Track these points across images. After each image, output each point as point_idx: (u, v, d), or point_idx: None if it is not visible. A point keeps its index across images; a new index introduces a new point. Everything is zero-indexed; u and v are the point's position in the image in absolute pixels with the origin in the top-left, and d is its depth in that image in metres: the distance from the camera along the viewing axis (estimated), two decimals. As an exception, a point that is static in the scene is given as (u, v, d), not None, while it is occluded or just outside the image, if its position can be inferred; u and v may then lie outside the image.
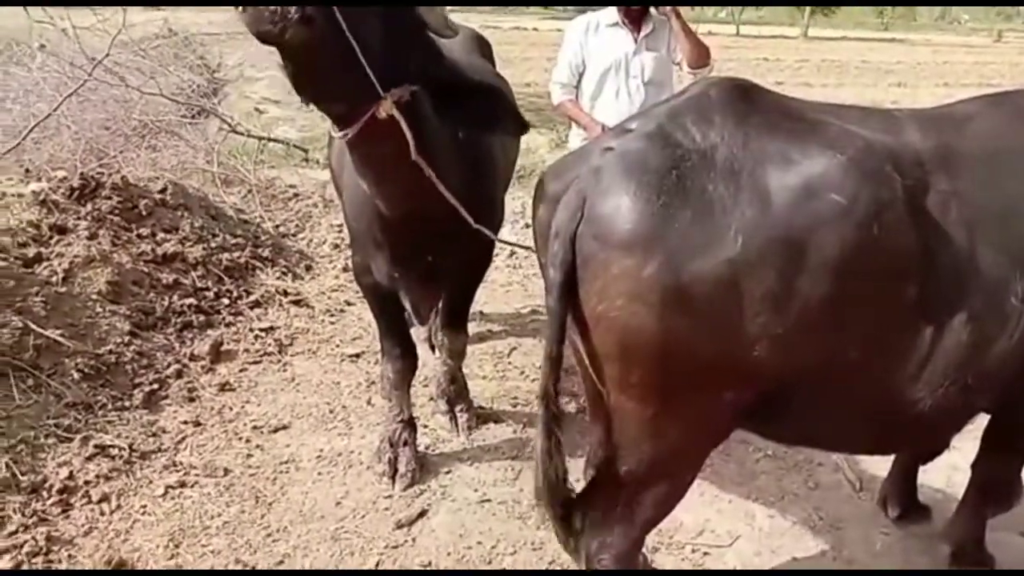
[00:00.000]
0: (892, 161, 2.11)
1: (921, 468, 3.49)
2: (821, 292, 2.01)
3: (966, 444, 3.05)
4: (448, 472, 3.81)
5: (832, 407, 2.28)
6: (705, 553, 3.33)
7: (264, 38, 2.30)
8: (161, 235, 5.32)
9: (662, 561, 3.27)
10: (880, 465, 3.59)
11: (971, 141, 2.31)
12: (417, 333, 4.06)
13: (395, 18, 2.49)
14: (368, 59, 2.35)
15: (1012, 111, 2.43)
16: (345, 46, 2.30)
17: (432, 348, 4.63)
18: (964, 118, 2.40)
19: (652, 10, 4.29)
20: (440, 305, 3.95)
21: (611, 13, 4.38)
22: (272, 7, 2.23)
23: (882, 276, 2.08)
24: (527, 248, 3.12)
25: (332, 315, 5.35)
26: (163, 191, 5.70)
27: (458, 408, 4.18)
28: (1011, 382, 2.35)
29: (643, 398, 2.17)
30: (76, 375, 4.03)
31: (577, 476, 3.09)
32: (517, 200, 6.87)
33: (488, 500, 3.61)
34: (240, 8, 2.25)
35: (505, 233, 4.71)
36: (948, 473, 3.60)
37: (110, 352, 4.27)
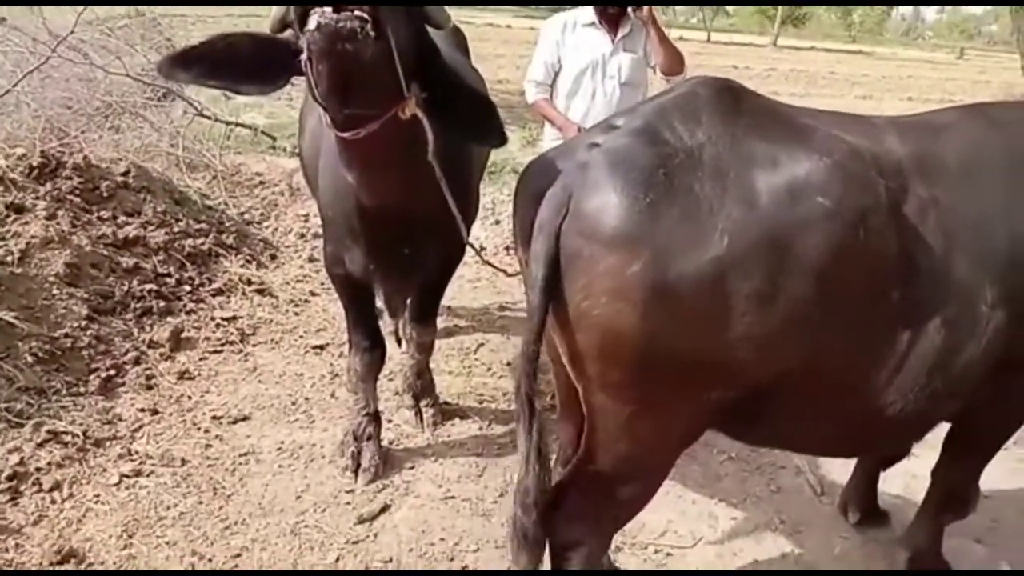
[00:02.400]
0: (875, 166, 2.13)
1: (881, 474, 3.53)
2: (805, 293, 2.02)
3: (925, 451, 3.10)
4: (412, 468, 3.76)
5: (806, 409, 2.29)
6: (668, 554, 3.33)
7: (340, 57, 2.17)
8: (122, 218, 5.18)
9: (625, 561, 3.26)
10: (842, 470, 3.63)
11: (947, 150, 2.34)
12: (384, 327, 4.00)
13: (414, 17, 2.44)
14: (400, 60, 2.29)
15: (986, 122, 2.46)
16: (390, 51, 2.24)
17: (399, 342, 4.58)
18: (941, 127, 2.43)
19: (630, 11, 4.29)
20: (410, 299, 3.90)
21: (588, 13, 4.37)
22: (348, 24, 2.12)
23: (865, 279, 2.10)
24: (503, 271, 3.09)
25: (296, 305, 5.27)
26: (126, 173, 5.55)
27: (424, 403, 4.14)
28: (975, 388, 2.38)
29: (622, 397, 2.15)
30: (29, 359, 3.90)
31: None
32: (487, 196, 6.83)
33: (452, 497, 3.57)
34: (311, 28, 2.13)
35: (475, 230, 4.68)
36: (907, 480, 3.66)
37: (66, 336, 4.14)
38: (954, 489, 3.10)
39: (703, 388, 2.14)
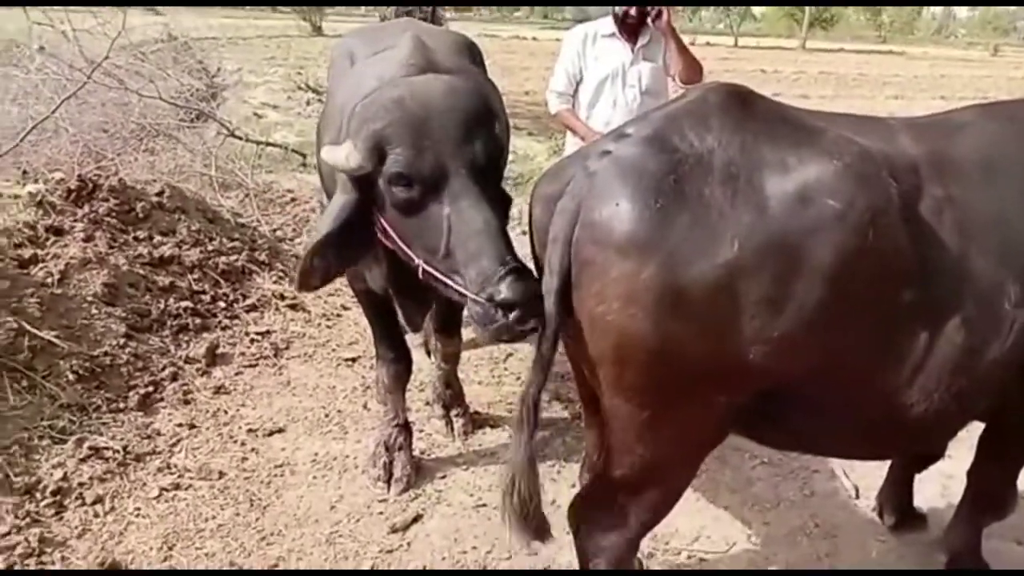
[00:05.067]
0: (888, 167, 2.13)
1: (917, 476, 3.49)
2: (817, 296, 2.02)
3: (962, 452, 3.06)
4: (443, 477, 3.80)
5: (826, 411, 2.28)
6: (701, 559, 3.32)
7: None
8: (158, 238, 5.31)
9: (657, 567, 3.26)
10: (877, 473, 3.59)
11: (964, 148, 2.32)
12: (412, 338, 4.04)
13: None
14: None
15: (1005, 119, 2.44)
16: None
17: (428, 353, 4.62)
18: (957, 126, 2.42)
19: (649, 22, 4.34)
20: (433, 310, 3.94)
21: (608, 23, 4.44)
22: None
23: (878, 281, 2.09)
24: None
25: (328, 319, 5.35)
26: (160, 194, 5.69)
27: (454, 413, 4.18)
28: (1005, 388, 2.35)
29: (638, 401, 2.17)
30: (71, 376, 4.01)
31: (572, 482, 3.11)
32: (513, 207, 6.86)
33: (483, 505, 3.60)
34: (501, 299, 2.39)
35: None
36: (944, 481, 3.61)
37: (105, 354, 4.25)
38: (991, 490, 3.05)
39: (717, 392, 2.15)
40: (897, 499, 3.52)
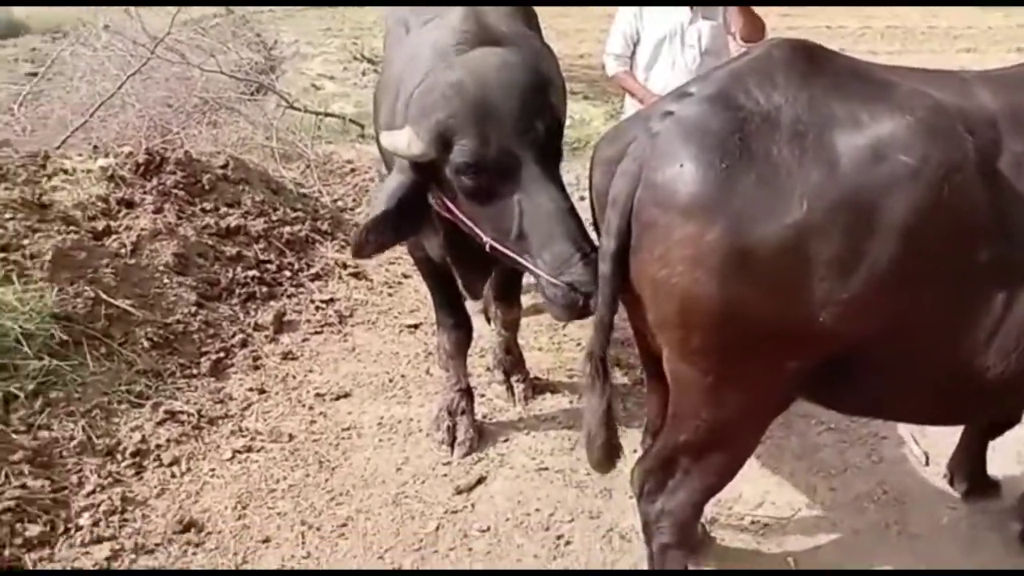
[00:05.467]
0: (963, 121, 2.04)
1: (991, 443, 3.39)
2: (889, 257, 1.97)
3: (1039, 418, 2.97)
4: (505, 441, 3.85)
5: (897, 375, 2.23)
6: (765, 525, 3.31)
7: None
8: (224, 209, 5.42)
9: (720, 532, 3.26)
10: (949, 440, 3.50)
11: None
12: (472, 305, 4.08)
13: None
14: None
15: None
16: None
17: (488, 320, 4.66)
18: None
19: None
20: (493, 278, 3.96)
21: (666, -18, 4.31)
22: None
23: (953, 239, 2.02)
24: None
25: (390, 287, 5.41)
26: (224, 166, 5.80)
27: (514, 378, 4.21)
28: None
29: (703, 366, 2.15)
30: (146, 343, 4.16)
31: (634, 447, 3.11)
32: (571, 173, 6.82)
33: (545, 468, 3.64)
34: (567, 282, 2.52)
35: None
36: (1019, 448, 3.51)
37: (178, 322, 4.39)
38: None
39: (784, 356, 2.12)
40: (969, 466, 3.43)
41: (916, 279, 2.03)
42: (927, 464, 3.63)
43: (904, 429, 3.80)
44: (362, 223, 2.90)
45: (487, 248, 2.73)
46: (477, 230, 2.75)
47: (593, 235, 2.60)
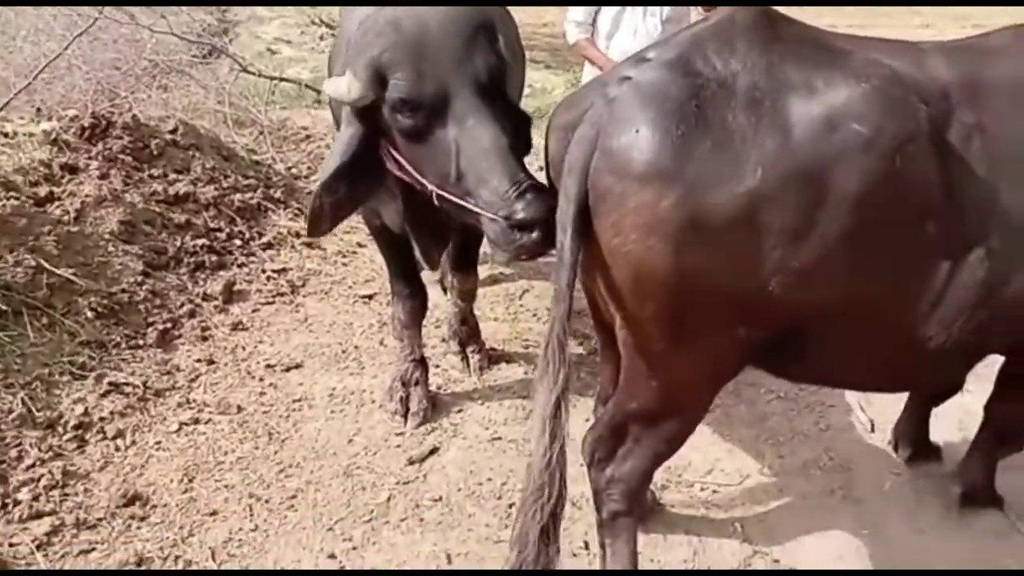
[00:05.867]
0: (917, 91, 2.05)
1: (934, 410, 3.47)
2: (841, 226, 1.97)
3: (979, 386, 3.04)
4: (459, 411, 3.83)
5: (845, 343, 2.25)
6: (714, 491, 3.35)
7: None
8: (173, 175, 5.27)
9: (671, 498, 3.29)
10: (893, 407, 3.57)
11: (998, 74, 2.23)
12: (428, 275, 4.03)
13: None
14: None
15: None
16: None
17: (444, 290, 4.62)
18: (991, 50, 2.32)
19: None
20: (449, 248, 3.91)
21: (628, -51, 4.25)
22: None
23: (903, 210, 2.04)
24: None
25: (344, 256, 5.34)
26: (174, 131, 5.64)
27: (470, 349, 4.18)
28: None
29: (656, 333, 2.15)
30: (89, 314, 4.04)
31: (587, 416, 3.12)
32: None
33: (499, 438, 3.63)
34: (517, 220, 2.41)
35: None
36: (960, 415, 3.58)
37: (123, 291, 4.27)
38: (1007, 424, 3.05)
39: (736, 323, 2.12)
40: (913, 432, 3.51)
41: (866, 249, 2.04)
42: (873, 431, 3.70)
43: (851, 397, 3.87)
44: (316, 188, 2.81)
45: (434, 199, 2.66)
46: (421, 179, 2.67)
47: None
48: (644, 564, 2.85)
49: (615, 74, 2.21)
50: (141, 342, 4.10)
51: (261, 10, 11.91)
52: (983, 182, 2.10)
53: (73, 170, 4.81)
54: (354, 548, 3.04)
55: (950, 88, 2.14)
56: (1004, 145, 2.13)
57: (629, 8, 4.26)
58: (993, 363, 2.79)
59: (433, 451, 3.54)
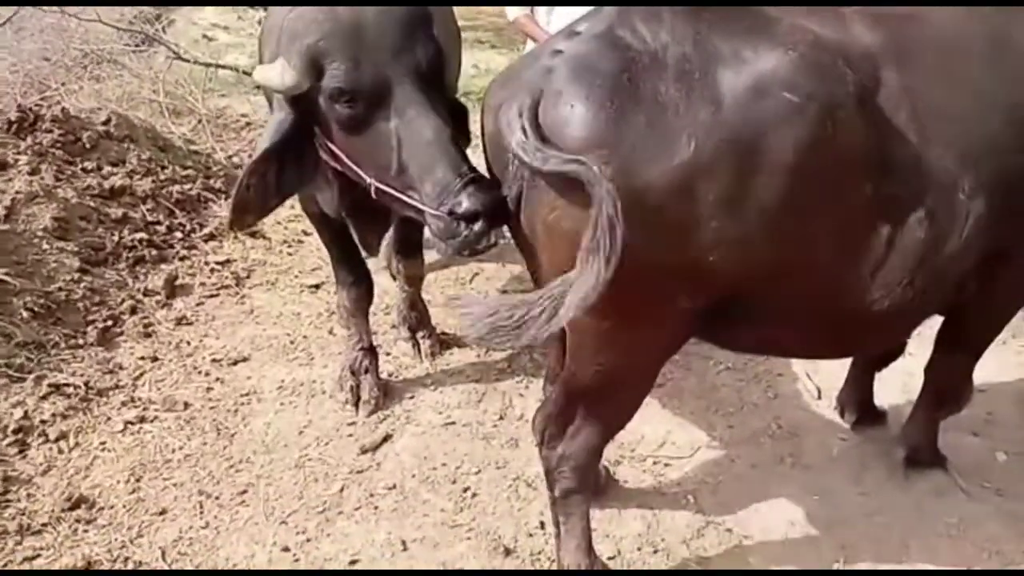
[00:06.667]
0: (843, 56, 2.06)
1: (877, 375, 3.54)
2: (776, 194, 1.98)
3: (921, 350, 3.11)
4: (412, 397, 3.80)
5: (788, 311, 2.28)
6: (666, 464, 3.38)
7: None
8: (107, 168, 5.11)
9: (624, 473, 3.31)
10: (839, 374, 3.64)
11: (921, 35, 2.25)
12: (377, 261, 3.98)
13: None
14: None
15: (964, 7, 2.36)
16: None
17: (393, 276, 4.56)
18: (916, 13, 2.34)
19: None
20: (392, 232, 3.86)
21: (565, -80, 4.21)
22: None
23: (837, 175, 2.05)
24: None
25: (290, 246, 5.24)
26: (107, 123, 5.45)
27: (420, 335, 4.15)
28: (962, 281, 2.36)
29: (598, 309, 2.13)
30: (25, 314, 3.90)
31: (539, 396, 3.12)
32: (476, 124, 6.71)
33: (452, 423, 3.61)
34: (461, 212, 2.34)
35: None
36: (904, 379, 3.67)
37: (60, 289, 4.14)
38: (948, 384, 3.12)
39: (678, 296, 2.12)
40: (858, 397, 3.58)
41: (803, 216, 2.06)
42: (820, 398, 3.77)
43: (799, 366, 3.94)
44: (242, 172, 2.72)
45: (373, 193, 2.62)
46: (359, 171, 2.62)
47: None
48: (599, 539, 2.87)
49: (546, 48, 2.19)
50: (81, 341, 3.98)
51: (196, -4, 11.59)
52: (915, 144, 2.12)
53: (1, 166, 4.63)
54: (308, 540, 3.01)
55: (874, 50, 2.15)
56: (930, 105, 2.15)
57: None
58: (934, 325, 2.86)
59: (386, 439, 3.51)
